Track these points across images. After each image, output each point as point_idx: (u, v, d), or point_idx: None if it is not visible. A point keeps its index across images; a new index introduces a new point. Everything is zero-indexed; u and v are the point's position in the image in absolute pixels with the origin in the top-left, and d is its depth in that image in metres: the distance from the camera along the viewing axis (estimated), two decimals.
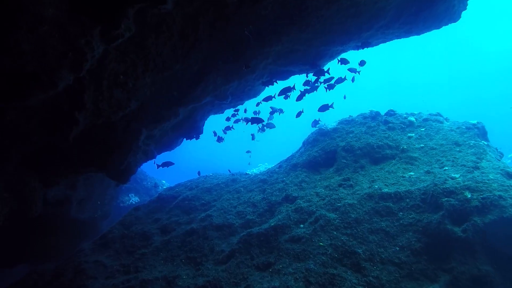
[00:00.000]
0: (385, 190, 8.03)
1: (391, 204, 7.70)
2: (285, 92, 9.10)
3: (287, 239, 7.89)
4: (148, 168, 24.77)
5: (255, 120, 10.56)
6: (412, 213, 7.35)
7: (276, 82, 9.22)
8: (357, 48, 8.54)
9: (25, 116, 5.26)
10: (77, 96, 5.47)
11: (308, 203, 8.79)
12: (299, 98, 9.81)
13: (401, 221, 7.29)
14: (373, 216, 7.66)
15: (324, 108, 10.12)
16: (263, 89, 10.85)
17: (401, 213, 7.47)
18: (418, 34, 8.25)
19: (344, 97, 12.66)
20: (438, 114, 10.59)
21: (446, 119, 10.50)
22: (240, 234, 8.77)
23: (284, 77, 9.65)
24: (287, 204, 9.25)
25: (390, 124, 10.44)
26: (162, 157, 13.26)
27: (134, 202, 21.20)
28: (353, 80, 11.35)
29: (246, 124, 10.98)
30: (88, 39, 3.12)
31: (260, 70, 8.33)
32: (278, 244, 7.88)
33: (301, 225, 8.24)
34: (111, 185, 14.94)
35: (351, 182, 9.04)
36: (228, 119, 12.15)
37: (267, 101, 10.34)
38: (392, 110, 11.08)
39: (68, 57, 3.07)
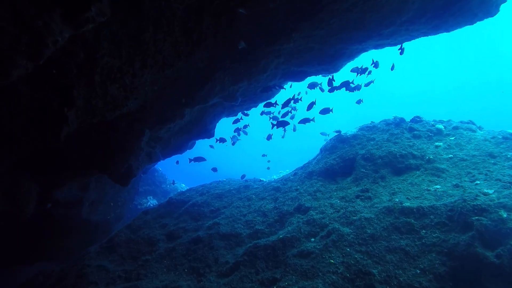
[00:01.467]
0: (407, 204, 7.21)
1: (412, 220, 6.89)
2: (288, 104, 8.71)
3: (295, 254, 7.23)
4: (168, 171, 24.63)
5: (281, 124, 10.03)
6: (436, 231, 6.52)
7: (276, 88, 8.65)
8: (379, 47, 7.83)
9: (10, 113, 4.94)
10: (66, 91, 5.12)
11: (321, 215, 8.09)
12: (309, 107, 9.30)
13: (423, 240, 6.46)
14: (391, 232, 6.88)
15: (325, 111, 9.54)
16: (278, 90, 10.25)
17: (423, 231, 6.65)
18: (448, 31, 7.36)
19: (359, 102, 11.65)
20: (470, 122, 9.60)
21: (480, 128, 9.49)
22: (247, 245, 8.19)
23: (299, 78, 9.00)
24: (298, 215, 8.58)
25: (415, 132, 9.55)
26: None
27: (152, 205, 21.13)
28: (367, 84, 10.57)
29: (272, 128, 10.47)
30: (46, 20, 2.70)
31: (272, 70, 7.73)
32: (286, 259, 7.23)
33: (312, 239, 7.56)
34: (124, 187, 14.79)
35: (369, 194, 8.26)
36: (236, 121, 11.62)
37: (268, 107, 9.83)
38: (418, 117, 10.17)
39: (23, 42, 2.66)
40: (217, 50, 6.85)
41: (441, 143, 8.96)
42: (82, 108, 5.62)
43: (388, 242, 6.71)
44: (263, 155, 21.04)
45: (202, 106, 7.92)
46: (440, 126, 9.43)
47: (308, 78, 9.31)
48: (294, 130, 13.81)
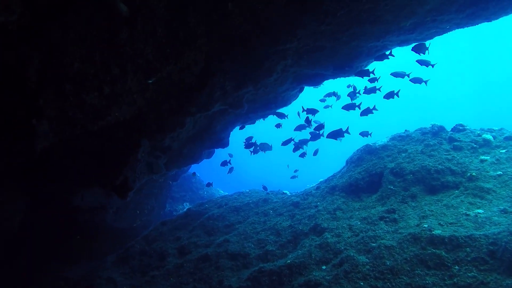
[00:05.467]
0: (437, 232, 5.96)
1: (443, 253, 5.63)
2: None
3: (301, 284, 6.28)
4: (206, 177, 24.68)
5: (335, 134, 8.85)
6: (473, 270, 5.23)
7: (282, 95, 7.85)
8: (404, 43, 6.65)
9: None
10: (30, 101, 4.75)
11: (336, 239, 7.05)
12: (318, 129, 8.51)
13: (455, 279, 5.21)
14: (416, 266, 5.68)
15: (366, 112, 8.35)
16: (296, 96, 9.32)
17: (456, 267, 5.38)
18: (489, 20, 5.94)
19: (366, 134, 9.62)
20: None
21: None
22: (253, 268, 7.38)
23: (315, 82, 7.98)
24: (313, 236, 7.59)
25: (456, 143, 8.07)
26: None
27: None
28: (397, 95, 8.74)
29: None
30: None
31: (279, 73, 6.85)
32: None
33: (323, 267, 6.56)
34: (152, 194, 14.69)
35: (395, 216, 7.05)
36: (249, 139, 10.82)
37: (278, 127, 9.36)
38: (460, 125, 8.63)
39: None
40: (212, 51, 6.19)
41: (488, 157, 7.44)
42: (57, 119, 5.23)
43: (411, 279, 5.53)
44: (288, 166, 20.09)
45: (205, 113, 7.30)
46: (488, 136, 7.87)
47: (326, 82, 8.31)
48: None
